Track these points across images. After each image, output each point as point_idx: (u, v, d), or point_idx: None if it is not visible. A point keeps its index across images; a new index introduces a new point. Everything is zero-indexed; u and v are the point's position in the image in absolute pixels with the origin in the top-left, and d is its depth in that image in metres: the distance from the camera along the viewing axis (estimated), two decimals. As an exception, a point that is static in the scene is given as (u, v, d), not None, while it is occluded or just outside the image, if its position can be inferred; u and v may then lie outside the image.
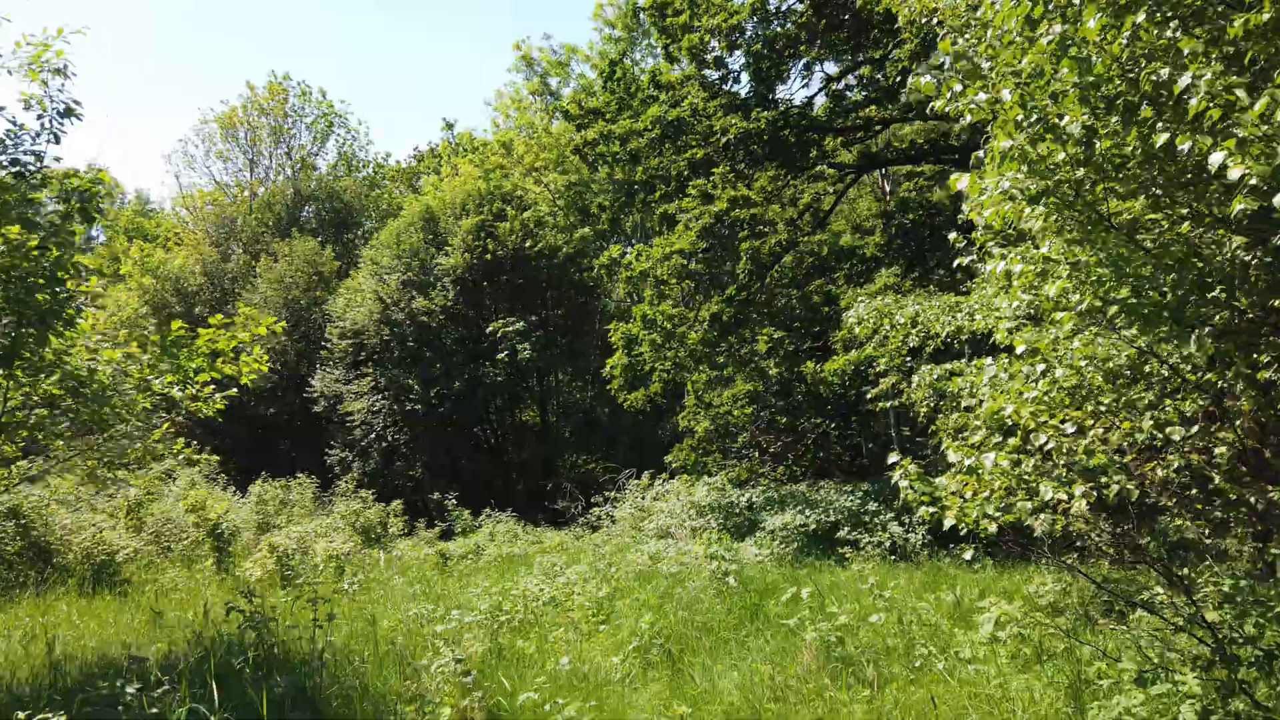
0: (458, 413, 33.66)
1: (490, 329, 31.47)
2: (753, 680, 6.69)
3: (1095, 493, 4.32)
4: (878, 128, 18.31)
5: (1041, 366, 4.64)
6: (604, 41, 32.04)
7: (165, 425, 10.38)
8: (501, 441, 35.79)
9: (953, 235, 5.57)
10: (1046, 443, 4.38)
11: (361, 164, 51.50)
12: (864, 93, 18.33)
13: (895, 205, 17.13)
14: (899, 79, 17.43)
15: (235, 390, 9.41)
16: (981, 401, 5.98)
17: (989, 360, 5.78)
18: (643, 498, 18.10)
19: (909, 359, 9.56)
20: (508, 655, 7.43)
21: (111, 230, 58.06)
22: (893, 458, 5.51)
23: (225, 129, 46.02)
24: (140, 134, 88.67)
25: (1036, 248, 4.58)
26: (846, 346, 13.22)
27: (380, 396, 32.56)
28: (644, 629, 7.85)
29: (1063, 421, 4.69)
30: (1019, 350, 4.87)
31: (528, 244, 32.42)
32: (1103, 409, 4.62)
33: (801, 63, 17.31)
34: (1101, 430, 4.45)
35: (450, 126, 42.51)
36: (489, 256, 32.08)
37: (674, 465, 20.23)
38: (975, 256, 5.60)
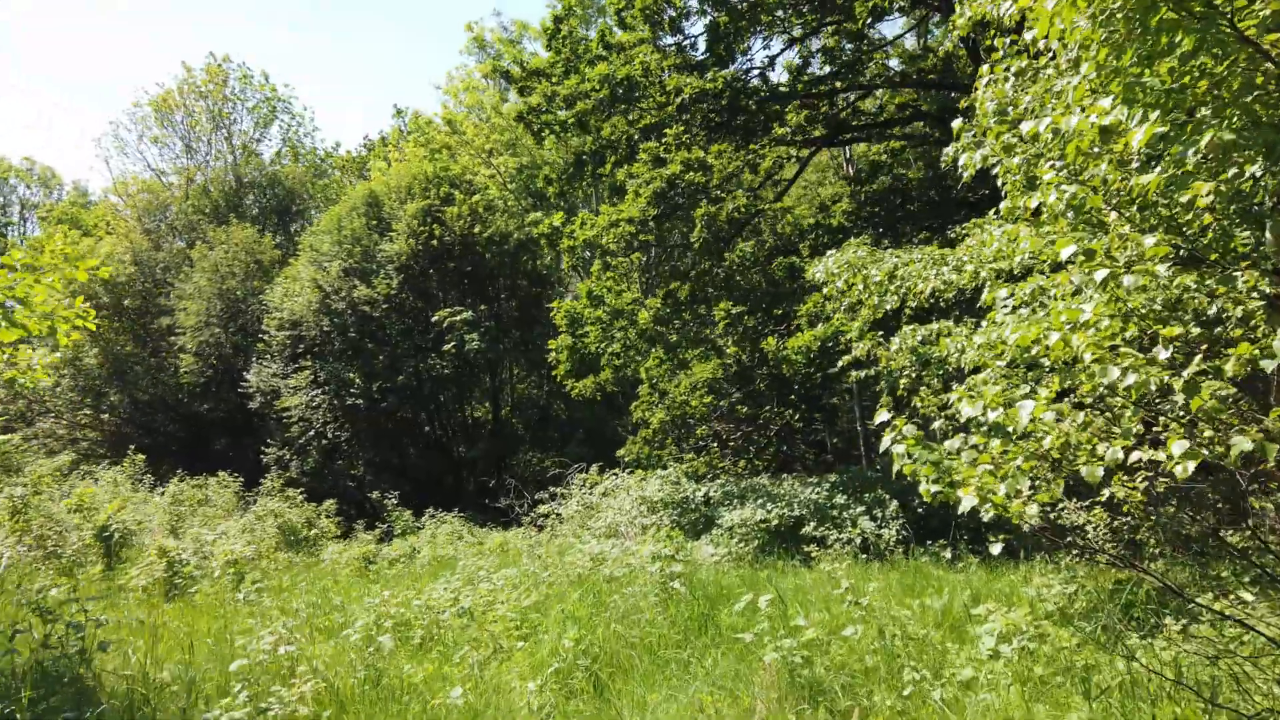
0: (403, 407, 31.87)
1: (436, 318, 29.75)
2: (696, 715, 5.22)
3: (1202, 450, 2.87)
4: (845, 95, 17.00)
5: (1102, 274, 3.21)
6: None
7: None
8: (451, 438, 34.06)
9: (957, 124, 4.12)
10: (1113, 382, 2.93)
11: (308, 153, 49.38)
12: (830, 64, 17.04)
13: (865, 168, 15.82)
14: (866, 48, 16.19)
15: (57, 356, 7.69)
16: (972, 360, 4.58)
17: (1002, 294, 4.34)
18: (591, 494, 16.59)
19: (883, 332, 8.19)
20: (388, 686, 5.88)
21: (45, 223, 55.34)
22: (882, 416, 4.05)
23: (160, 112, 43.66)
24: (77, 119, 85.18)
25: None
26: (812, 321, 11.84)
27: (320, 391, 30.67)
28: (568, 647, 6.35)
29: (1146, 345, 3.24)
30: (1065, 254, 3.44)
31: (477, 229, 30.75)
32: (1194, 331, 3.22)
33: (762, 29, 15.95)
34: (1198, 361, 2.99)
35: (401, 113, 40.72)
36: (435, 243, 30.37)
37: (627, 459, 18.75)
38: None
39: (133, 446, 30.01)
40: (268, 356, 32.71)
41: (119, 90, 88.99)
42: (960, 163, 5.32)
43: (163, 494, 19.59)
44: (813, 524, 11.58)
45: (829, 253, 8.06)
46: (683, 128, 13.83)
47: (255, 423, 34.80)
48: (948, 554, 10.85)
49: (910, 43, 19.30)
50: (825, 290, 7.93)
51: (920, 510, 11.82)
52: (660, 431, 18.77)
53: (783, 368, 11.55)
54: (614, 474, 17.06)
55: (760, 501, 12.28)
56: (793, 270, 13.68)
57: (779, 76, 16.12)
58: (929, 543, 11.44)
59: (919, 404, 8.20)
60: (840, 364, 8.11)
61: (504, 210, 30.42)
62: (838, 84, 16.67)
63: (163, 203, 41.07)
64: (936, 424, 8.33)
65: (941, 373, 7.08)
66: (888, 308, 7.90)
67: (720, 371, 19.00)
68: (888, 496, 11.83)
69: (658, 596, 7.72)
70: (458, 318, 29.35)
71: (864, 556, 11.29)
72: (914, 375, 7.67)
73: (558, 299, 15.00)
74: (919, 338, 6.88)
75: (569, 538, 15.33)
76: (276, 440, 31.74)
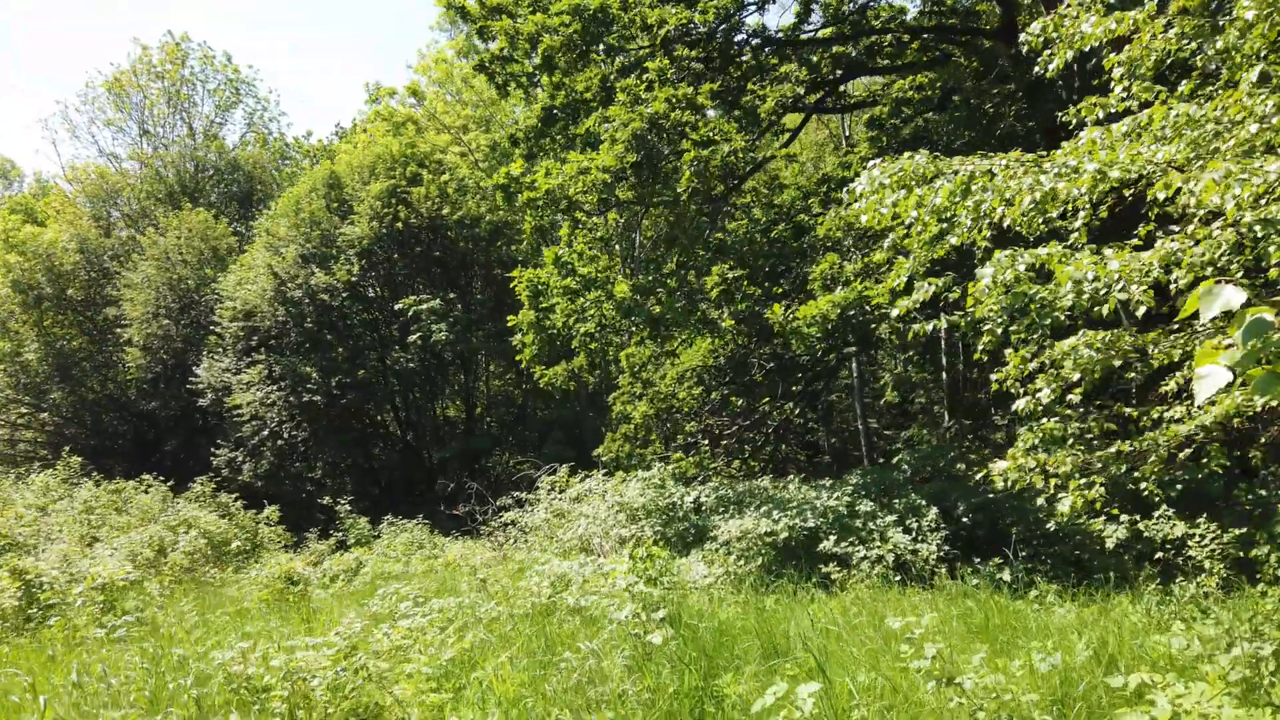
0: (366, 404, 29.37)
1: (400, 306, 27.27)
2: None
3: None
4: (854, 42, 14.66)
5: None
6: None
7: None
8: (421, 438, 31.56)
9: None
10: None
11: (275, 139, 46.70)
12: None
13: (888, 107, 13.39)
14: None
15: None
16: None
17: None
18: (562, 499, 14.20)
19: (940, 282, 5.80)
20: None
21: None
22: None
23: (113, 94, 40.94)
24: (29, 103, 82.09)
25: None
26: (827, 286, 9.48)
27: (275, 387, 28.12)
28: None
29: None
30: None
31: (446, 211, 28.29)
32: None
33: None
34: None
35: (374, 98, 37.81)
36: (400, 225, 27.90)
37: (605, 459, 16.35)
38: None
39: (68, 448, 27.46)
40: (220, 350, 30.15)
41: (77, 74, 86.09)
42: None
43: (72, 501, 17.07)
44: (834, 537, 9.19)
45: (871, 164, 5.70)
46: (667, 61, 11.47)
47: (209, 422, 32.22)
48: (1005, 575, 8.51)
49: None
50: (864, 215, 5.58)
51: (966, 519, 9.49)
52: (643, 427, 16.39)
53: (792, 344, 9.23)
54: (589, 476, 14.70)
55: (764, 509, 9.90)
56: (799, 230, 11.31)
57: (779, 20, 13.66)
58: (977, 561, 9.10)
59: (1001, 380, 5.85)
60: (895, 312, 5.71)
61: (476, 191, 27.94)
62: (845, 29, 14.35)
63: (114, 188, 38.36)
64: (1020, 403, 5.98)
65: (1049, 322, 4.73)
66: (955, 241, 5.56)
67: (711, 359, 16.67)
68: (923, 503, 9.49)
69: (631, 654, 5.32)
70: (424, 306, 26.90)
71: (897, 578, 8.93)
72: (999, 333, 5.30)
73: (519, 269, 12.58)
74: (1021, 265, 4.54)
75: (533, 551, 12.94)
76: (227, 441, 29.16)
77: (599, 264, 11.99)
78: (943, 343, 24.56)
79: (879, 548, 9.00)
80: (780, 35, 14.80)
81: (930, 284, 5.44)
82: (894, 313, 6.20)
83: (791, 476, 13.68)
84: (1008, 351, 5.61)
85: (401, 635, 6.73)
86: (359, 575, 15.62)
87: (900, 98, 13.71)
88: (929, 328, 6.06)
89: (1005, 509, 9.78)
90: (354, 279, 27.80)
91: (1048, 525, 9.08)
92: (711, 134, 10.62)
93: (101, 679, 5.48)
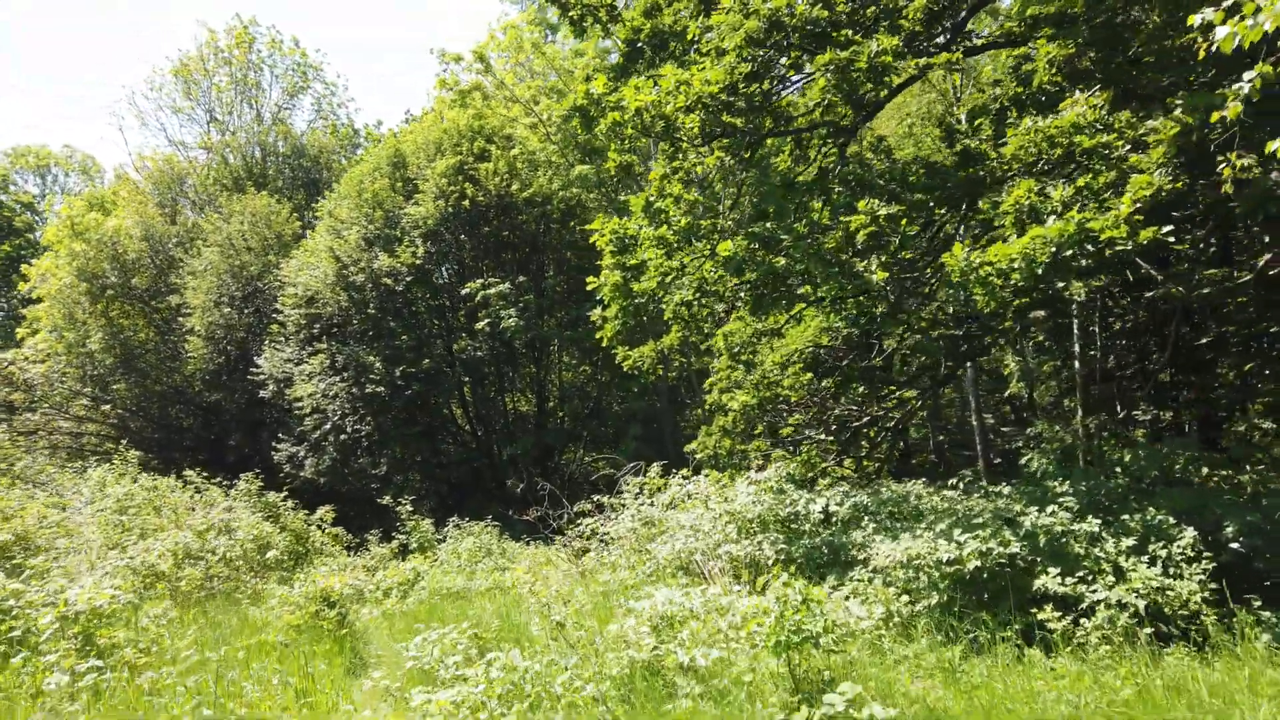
0: (432, 397, 27.47)
1: (467, 290, 25.23)
2: None
3: None
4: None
5: None
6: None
7: None
8: (488, 433, 29.55)
9: None
10: None
11: (345, 126, 45.43)
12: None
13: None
14: None
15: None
16: None
17: None
18: (653, 506, 11.80)
19: None
20: None
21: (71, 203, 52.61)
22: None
23: (182, 80, 40.10)
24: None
25: None
26: (1020, 223, 6.80)
27: (337, 378, 26.44)
28: None
29: None
30: None
31: (515, 188, 26.14)
32: None
33: None
34: None
35: (442, 64, 35.09)
36: (467, 204, 25.86)
37: (698, 456, 13.90)
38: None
39: (125, 441, 26.21)
40: (282, 339, 28.66)
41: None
42: None
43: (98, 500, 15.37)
44: (1054, 572, 6.51)
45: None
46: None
47: (272, 415, 30.79)
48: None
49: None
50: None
51: (1237, 545, 6.73)
52: (743, 419, 13.88)
53: (974, 294, 6.63)
54: (682, 477, 12.28)
55: (945, 524, 7.27)
56: (966, 156, 8.63)
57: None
58: (1259, 605, 6.35)
59: None
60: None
61: (547, 166, 25.71)
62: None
63: (179, 174, 37.43)
64: None
65: None
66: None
67: (826, 337, 14.07)
68: (1170, 521, 6.75)
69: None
70: (492, 290, 24.81)
71: (1148, 632, 6.22)
72: None
73: (601, 217, 10.14)
74: None
75: (619, 570, 10.55)
76: (288, 435, 27.61)
77: (699, 212, 9.54)
78: (1074, 326, 21.44)
79: (1118, 589, 6.29)
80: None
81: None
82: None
83: (914, 483, 11.06)
84: None
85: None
86: (415, 588, 13.54)
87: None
88: None
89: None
90: (418, 262, 25.88)
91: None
92: (853, 34, 8.07)
93: None
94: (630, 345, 13.04)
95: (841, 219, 8.30)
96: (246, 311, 31.34)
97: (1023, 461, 19.05)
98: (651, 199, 9.54)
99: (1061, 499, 7.13)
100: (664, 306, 10.71)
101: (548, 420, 29.63)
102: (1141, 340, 24.23)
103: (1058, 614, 6.31)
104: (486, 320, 24.84)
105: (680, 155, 9.24)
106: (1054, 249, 6.29)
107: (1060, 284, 8.26)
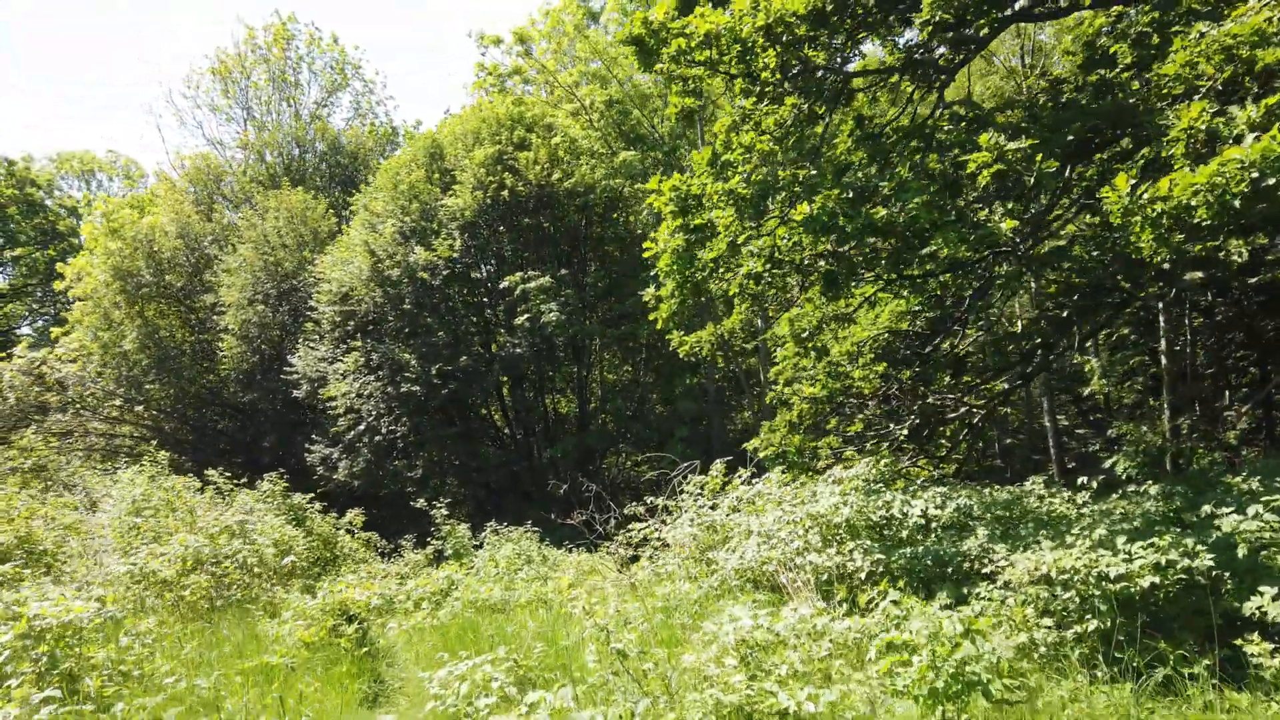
0: (470, 396, 26.36)
1: (507, 284, 24.06)
2: None
3: None
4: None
5: None
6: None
7: None
8: (528, 434, 28.36)
9: None
10: None
11: (384, 125, 44.71)
12: None
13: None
14: None
15: None
16: None
17: None
18: (714, 507, 10.44)
19: None
20: None
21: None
22: None
23: (220, 77, 39.66)
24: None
25: None
26: (1195, 151, 5.31)
27: (372, 376, 25.44)
28: None
29: None
30: None
31: (556, 177, 24.95)
32: None
33: None
34: None
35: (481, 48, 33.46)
36: (506, 194, 24.73)
37: (762, 454, 12.49)
38: None
39: (155, 442, 25.44)
40: (316, 337, 27.76)
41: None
42: None
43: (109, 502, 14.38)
44: (1267, 590, 5.02)
45: None
46: None
47: (306, 416, 29.90)
48: None
49: None
50: None
51: None
52: (812, 412, 12.46)
53: (1139, 241, 5.19)
54: (745, 478, 10.91)
55: (1101, 532, 5.81)
56: (1103, 87, 7.13)
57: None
58: None
59: None
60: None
61: (590, 154, 24.49)
62: None
63: (216, 172, 36.88)
64: None
65: None
66: None
67: (906, 322, 12.67)
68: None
69: None
70: (532, 284, 23.63)
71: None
72: None
73: (658, 176, 8.76)
74: None
75: (677, 583, 9.19)
76: (322, 436, 26.66)
77: (776, 162, 8.16)
78: (1161, 323, 19.68)
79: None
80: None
81: None
82: None
83: (1033, 481, 9.59)
84: None
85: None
86: (448, 599, 12.29)
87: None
88: None
89: None
90: (455, 254, 24.79)
91: None
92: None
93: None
94: (688, 327, 11.68)
95: (959, 157, 6.87)
96: (281, 309, 30.53)
97: (1108, 464, 17.15)
98: (718, 151, 8.21)
99: (1265, 499, 5.61)
100: (727, 281, 9.35)
101: (590, 422, 28.36)
102: (1229, 334, 22.24)
103: (1270, 646, 4.83)
104: (527, 315, 23.66)
105: (755, 91, 7.85)
106: (1254, 175, 4.86)
107: (1217, 242, 6.72)
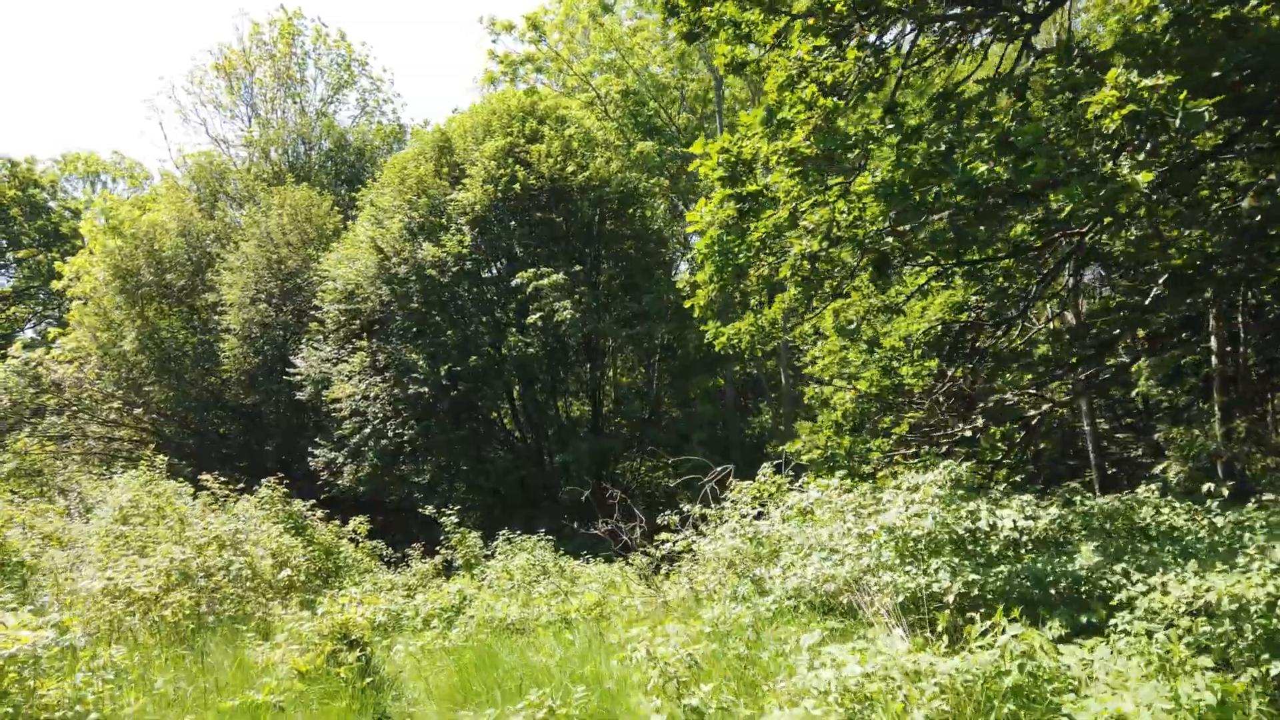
0: (479, 399, 25.31)
1: (518, 281, 23.03)
2: None
3: None
4: None
5: None
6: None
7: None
8: (539, 439, 27.27)
9: None
10: None
11: (391, 123, 43.77)
12: None
13: None
14: None
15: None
16: None
17: None
18: (758, 515, 9.36)
19: None
20: None
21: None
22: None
23: (225, 74, 38.79)
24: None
25: None
26: None
27: (378, 378, 24.43)
28: None
29: None
30: None
31: (569, 170, 23.94)
32: None
33: None
34: None
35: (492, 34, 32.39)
36: (517, 187, 23.71)
37: (803, 457, 11.41)
38: None
39: (152, 446, 24.54)
40: (320, 337, 26.75)
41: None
42: None
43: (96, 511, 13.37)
44: None
45: None
46: None
47: (311, 419, 28.87)
48: None
49: None
50: None
51: None
52: (857, 412, 11.38)
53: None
54: (797, 481, 9.83)
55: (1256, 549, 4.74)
56: (1233, 21, 6.11)
57: None
58: None
59: None
60: None
61: (605, 146, 23.46)
62: None
63: (219, 169, 35.96)
64: None
65: None
66: None
67: (964, 314, 11.62)
68: None
69: None
70: (545, 281, 22.60)
71: None
72: None
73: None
74: None
75: (724, 603, 8.07)
76: (326, 440, 25.62)
77: (840, 118, 7.12)
78: (1210, 321, 18.53)
79: None
80: None
81: None
82: None
83: (1145, 488, 8.47)
84: None
85: None
86: (460, 617, 11.20)
87: None
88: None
89: None
90: (465, 251, 23.77)
91: None
92: None
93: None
94: (724, 318, 10.61)
95: (1078, 101, 5.80)
96: (285, 309, 29.54)
97: (1158, 469, 16.00)
98: (772, 108, 7.16)
99: None
100: (774, 262, 8.27)
101: (604, 425, 27.28)
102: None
103: None
104: (539, 314, 22.63)
105: (823, 27, 6.78)
106: None
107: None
